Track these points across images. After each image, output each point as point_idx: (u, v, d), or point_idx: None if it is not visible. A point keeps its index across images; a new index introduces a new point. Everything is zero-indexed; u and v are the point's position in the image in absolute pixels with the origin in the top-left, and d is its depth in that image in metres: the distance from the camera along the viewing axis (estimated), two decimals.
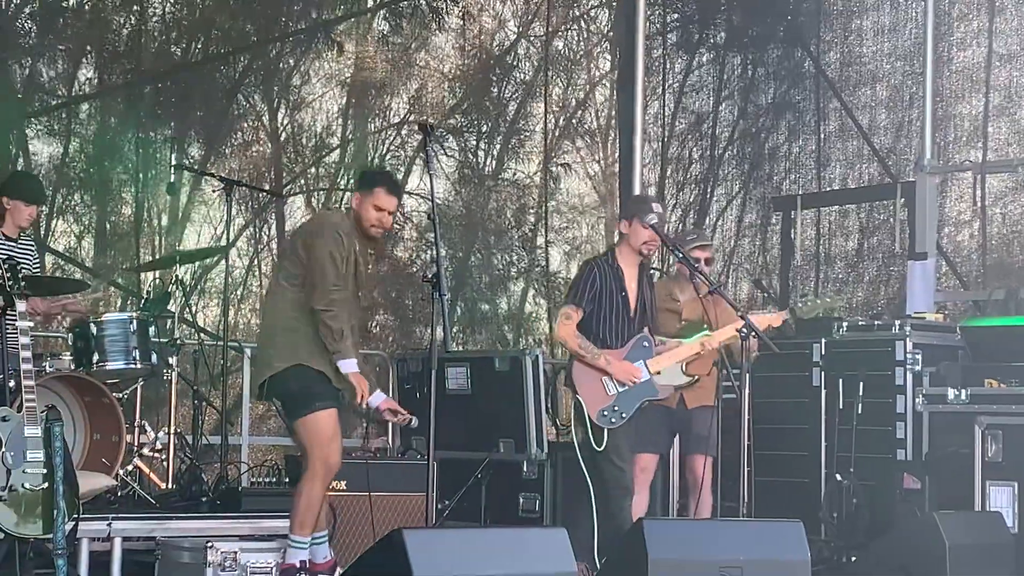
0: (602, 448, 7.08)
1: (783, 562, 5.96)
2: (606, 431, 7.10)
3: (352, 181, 14.44)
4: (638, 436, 7.53)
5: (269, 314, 6.64)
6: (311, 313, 6.33)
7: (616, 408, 7.15)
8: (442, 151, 13.87)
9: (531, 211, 14.75)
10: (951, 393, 8.34)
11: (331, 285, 6.29)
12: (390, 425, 10.08)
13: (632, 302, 7.25)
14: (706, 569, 5.75)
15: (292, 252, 6.55)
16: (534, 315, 14.85)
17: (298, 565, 6.40)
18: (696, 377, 7.43)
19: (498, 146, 14.63)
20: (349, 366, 6.33)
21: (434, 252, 6.27)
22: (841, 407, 8.70)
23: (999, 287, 10.19)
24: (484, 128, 14.44)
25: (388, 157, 14.44)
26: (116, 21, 12.33)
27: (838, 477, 8.57)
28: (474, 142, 14.42)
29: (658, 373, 7.28)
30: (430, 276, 6.20)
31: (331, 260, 6.30)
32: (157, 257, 11.72)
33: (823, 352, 8.95)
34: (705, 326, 7.44)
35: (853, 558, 8.23)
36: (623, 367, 7.16)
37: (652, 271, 7.75)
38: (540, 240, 14.72)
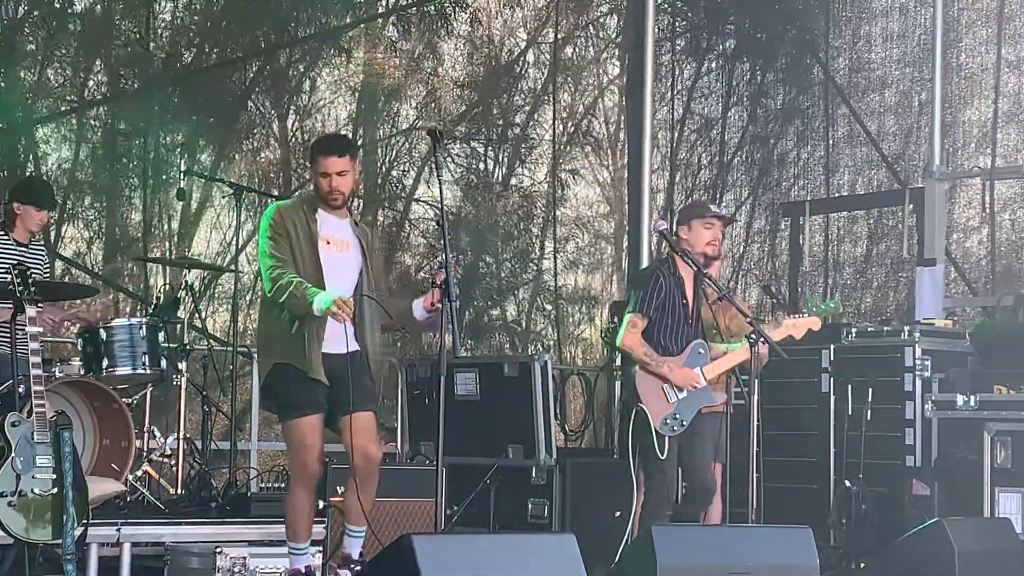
0: (664, 457, 7.08)
1: (792, 568, 5.96)
2: (667, 440, 7.10)
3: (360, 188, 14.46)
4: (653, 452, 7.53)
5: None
6: (274, 306, 6.31)
7: (677, 416, 7.17)
8: (450, 158, 13.87)
9: (539, 217, 14.74)
10: (960, 399, 8.34)
11: (267, 269, 6.25)
12: (399, 431, 10.09)
13: (691, 309, 7.31)
14: (715, 575, 5.75)
15: None
16: (542, 321, 14.84)
17: (303, 570, 6.38)
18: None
19: (506, 152, 14.63)
20: (320, 302, 6.11)
21: (442, 258, 6.23)
22: (850, 413, 8.70)
23: (1008, 293, 10.19)
24: (492, 134, 14.44)
25: (397, 163, 14.44)
26: (126, 27, 12.35)
27: (847, 483, 8.57)
28: (482, 148, 14.42)
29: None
30: (439, 282, 6.19)
31: (267, 245, 6.27)
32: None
33: (832, 358, 8.95)
34: (715, 331, 7.45)
35: (862, 564, 8.23)
36: (684, 373, 7.18)
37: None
38: (548, 246, 14.72)
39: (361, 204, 14.64)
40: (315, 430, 6.25)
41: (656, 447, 7.10)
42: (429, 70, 13.92)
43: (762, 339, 7.07)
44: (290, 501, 6.36)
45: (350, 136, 7.02)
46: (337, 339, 6.26)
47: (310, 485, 6.32)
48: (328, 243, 6.34)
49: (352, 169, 6.37)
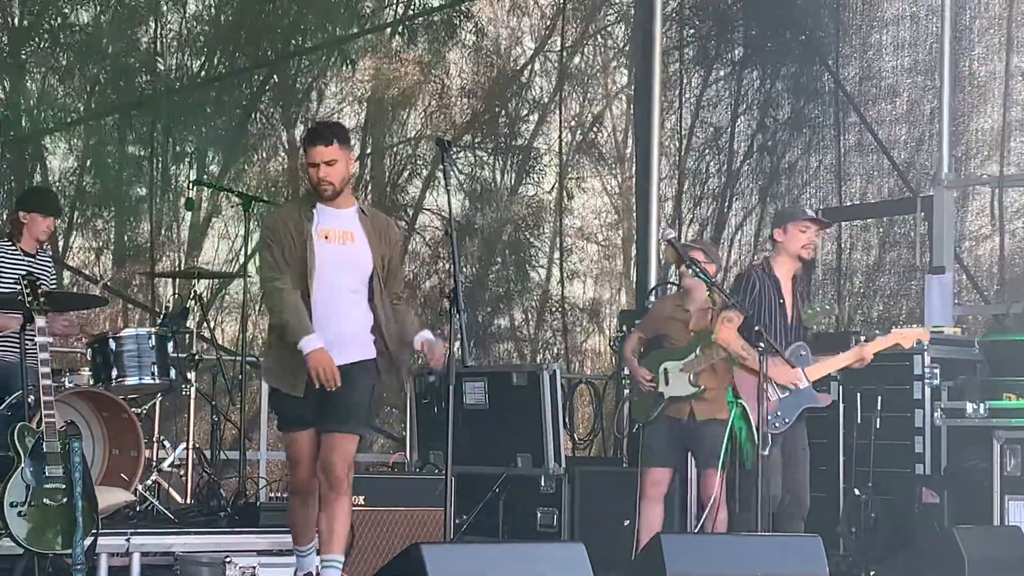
0: (767, 455, 7.05)
1: None
2: (770, 438, 7.06)
3: (368, 196, 14.46)
4: (651, 451, 7.56)
5: None
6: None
7: (779, 413, 7.19)
8: (456, 167, 13.87)
9: (546, 226, 14.73)
10: (969, 407, 8.32)
11: (262, 280, 6.23)
12: (407, 440, 10.09)
13: (789, 311, 7.33)
14: None
15: None
16: (550, 330, 14.82)
17: (315, 573, 6.34)
18: (703, 388, 7.46)
19: (513, 161, 14.63)
20: (308, 344, 5.99)
21: (448, 267, 6.25)
22: (859, 421, 8.68)
23: (1017, 301, 10.17)
24: (500, 143, 14.44)
25: (404, 172, 14.44)
26: (133, 36, 12.37)
27: (856, 492, 8.55)
28: (489, 157, 14.43)
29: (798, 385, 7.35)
30: (448, 291, 6.18)
31: (264, 254, 6.20)
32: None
33: None
34: (713, 336, 7.47)
35: (872, 573, 8.21)
36: (785, 371, 7.17)
37: (670, 283, 7.81)
38: (555, 255, 14.71)
39: None
40: (301, 445, 6.18)
41: (761, 445, 7.04)
42: (436, 79, 13.93)
43: (771, 347, 7.07)
44: (290, 507, 6.43)
45: (343, 125, 6.83)
46: (338, 348, 6.08)
47: (303, 495, 6.26)
48: (327, 237, 6.15)
49: (343, 158, 6.18)
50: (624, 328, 9.43)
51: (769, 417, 7.08)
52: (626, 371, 8.41)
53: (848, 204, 12.14)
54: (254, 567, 6.82)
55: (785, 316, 7.31)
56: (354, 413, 6.12)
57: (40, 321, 6.51)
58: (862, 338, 7.72)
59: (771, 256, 7.52)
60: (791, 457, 7.26)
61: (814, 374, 7.32)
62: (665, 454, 7.54)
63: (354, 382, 6.09)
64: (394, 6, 14.01)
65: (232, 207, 12.46)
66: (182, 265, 11.89)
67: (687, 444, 7.58)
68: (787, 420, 7.18)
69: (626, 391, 9.37)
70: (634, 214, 12.64)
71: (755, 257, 13.09)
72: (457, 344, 5.98)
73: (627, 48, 14.73)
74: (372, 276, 6.20)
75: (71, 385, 7.79)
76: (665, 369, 7.57)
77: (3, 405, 7.11)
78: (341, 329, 6.14)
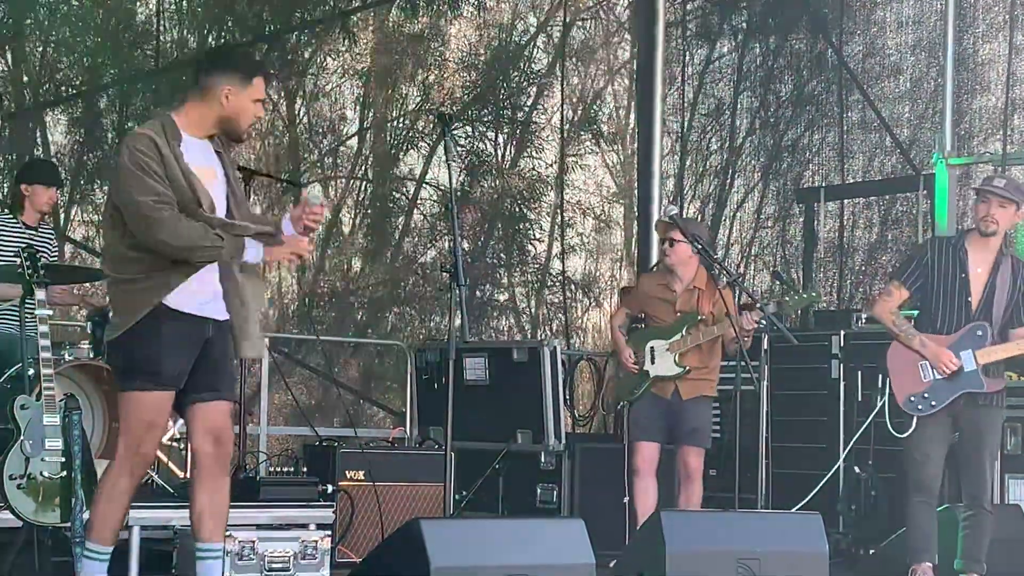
0: (907, 435, 6.84)
1: (801, 554, 5.94)
2: (915, 419, 6.85)
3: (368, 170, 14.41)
4: (637, 426, 7.57)
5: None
6: None
7: (927, 396, 6.85)
8: (457, 142, 13.85)
9: (546, 201, 14.72)
10: None
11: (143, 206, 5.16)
12: (407, 415, 10.09)
13: (974, 286, 6.87)
14: (724, 561, 5.73)
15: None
16: (550, 306, 14.83)
17: None
18: (687, 368, 7.44)
19: (514, 136, 14.61)
20: (252, 255, 5.27)
21: (447, 242, 6.18)
22: (860, 399, 8.66)
23: None
24: (501, 118, 14.42)
25: (404, 146, 14.42)
26: (133, 11, 12.34)
27: (857, 470, 8.54)
28: (490, 132, 14.40)
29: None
30: (448, 266, 6.15)
31: (140, 178, 5.17)
32: None
33: (842, 344, 8.92)
34: (700, 317, 7.45)
35: (871, 551, 8.21)
36: (936, 352, 6.82)
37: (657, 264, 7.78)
38: (556, 231, 14.71)
39: (370, 188, 14.65)
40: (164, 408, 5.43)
41: (889, 423, 6.90)
42: (436, 53, 13.90)
43: (771, 325, 7.06)
44: (117, 492, 5.41)
45: None
46: (219, 303, 5.36)
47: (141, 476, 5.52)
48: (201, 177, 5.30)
49: None
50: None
51: (913, 398, 6.85)
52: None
53: (850, 182, 12.12)
54: (253, 541, 6.81)
55: (967, 292, 6.86)
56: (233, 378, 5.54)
57: (40, 294, 6.49)
58: None
59: (969, 229, 7.13)
60: (968, 445, 6.88)
61: (985, 357, 6.79)
62: (652, 429, 7.53)
63: (228, 344, 5.38)
64: None
65: None
66: None
67: (670, 421, 7.55)
68: (934, 404, 6.79)
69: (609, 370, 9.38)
70: (635, 190, 12.63)
71: (756, 234, 13.09)
72: (458, 318, 5.96)
73: (629, 23, 14.70)
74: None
75: (71, 358, 7.77)
76: (651, 348, 7.56)
77: (3, 378, 7.10)
78: (216, 278, 5.31)
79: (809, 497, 8.32)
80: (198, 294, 5.24)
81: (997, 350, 6.79)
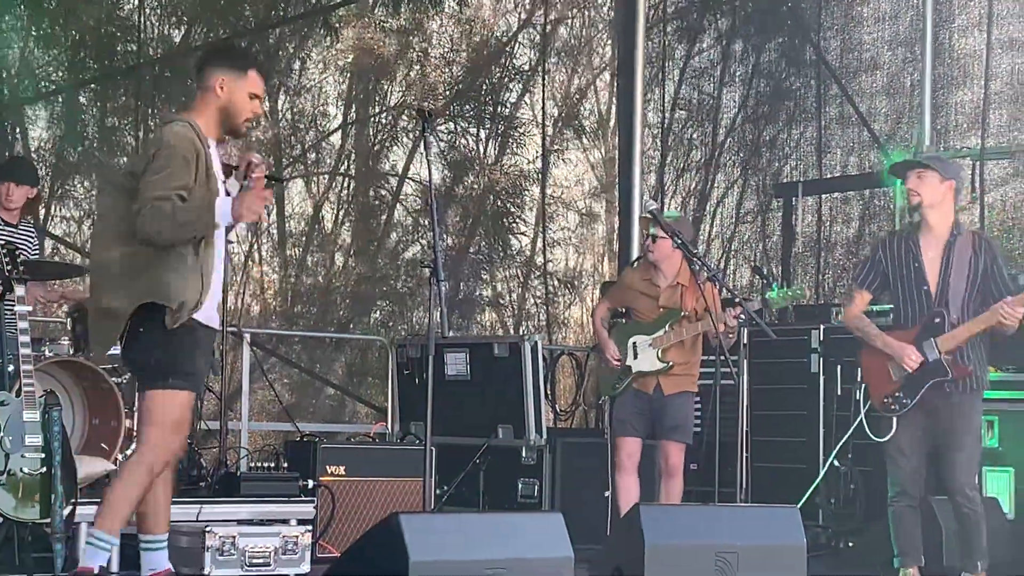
0: (887, 439, 6.74)
1: (779, 547, 5.96)
2: (894, 421, 6.73)
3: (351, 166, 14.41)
4: (619, 421, 7.59)
5: None
6: None
7: (899, 395, 6.74)
8: (439, 137, 13.86)
9: (529, 197, 14.74)
10: None
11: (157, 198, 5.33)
12: (389, 410, 10.10)
13: (929, 273, 6.71)
14: (702, 554, 5.75)
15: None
16: (532, 301, 14.85)
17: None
18: (670, 363, 7.47)
19: (497, 132, 14.62)
20: (225, 214, 5.35)
21: (430, 238, 6.20)
22: (839, 392, 8.70)
23: None
24: (483, 113, 14.43)
25: (387, 141, 14.42)
26: (115, 6, 12.32)
27: (836, 463, 8.58)
28: (472, 128, 14.42)
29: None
30: (428, 263, 6.16)
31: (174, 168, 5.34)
32: None
33: (821, 338, 8.96)
34: (683, 313, 7.48)
35: (850, 543, 8.25)
36: (898, 349, 6.70)
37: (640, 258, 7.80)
38: (538, 226, 14.72)
39: (352, 183, 14.64)
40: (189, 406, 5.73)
41: (867, 427, 6.82)
42: (419, 49, 13.91)
43: (750, 320, 7.08)
44: (139, 486, 5.61)
45: None
46: (213, 315, 5.66)
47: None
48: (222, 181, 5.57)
49: None
50: None
51: (887, 399, 6.74)
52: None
53: (829, 176, 12.16)
54: (234, 536, 6.82)
55: (923, 281, 6.71)
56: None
57: (19, 290, 6.49)
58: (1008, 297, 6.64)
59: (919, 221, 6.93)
60: (940, 435, 6.73)
61: (946, 344, 6.63)
62: (634, 424, 7.56)
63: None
64: None
65: None
66: None
67: (652, 416, 7.58)
68: (906, 402, 6.67)
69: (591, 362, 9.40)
70: (617, 186, 12.65)
71: (737, 229, 13.12)
72: (437, 314, 5.98)
73: (611, 20, 14.72)
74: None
75: (51, 355, 7.76)
76: (634, 343, 7.59)
77: None
78: (218, 292, 5.64)
79: (807, 495, 8.32)
80: (214, 302, 5.50)
81: (957, 334, 6.64)
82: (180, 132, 5.37)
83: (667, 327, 7.51)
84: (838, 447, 8.28)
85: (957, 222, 6.79)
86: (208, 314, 5.51)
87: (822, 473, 8.49)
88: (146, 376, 5.47)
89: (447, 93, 14.12)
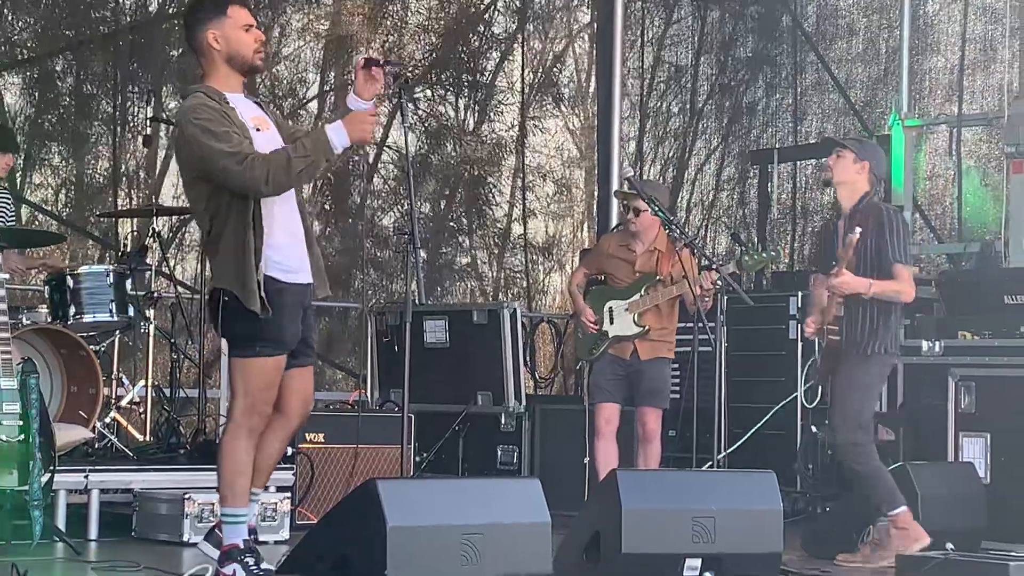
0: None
1: (756, 512, 5.99)
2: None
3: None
4: (597, 388, 7.62)
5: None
6: None
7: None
8: (416, 105, 13.82)
9: (507, 165, 14.72)
10: (925, 345, 8.38)
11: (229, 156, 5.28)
12: (369, 377, 10.11)
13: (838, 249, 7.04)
14: (679, 519, 5.78)
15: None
16: (511, 268, 14.85)
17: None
18: (647, 328, 7.50)
19: (474, 100, 14.58)
20: (338, 140, 5.31)
21: (406, 206, 6.19)
22: (817, 359, 8.73)
23: (973, 240, 10.23)
24: (462, 81, 14.39)
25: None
26: None
27: (813, 429, 8.62)
28: (449, 95, 14.37)
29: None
30: (405, 231, 6.16)
31: (211, 135, 5.28)
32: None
33: (800, 305, 8.99)
34: (658, 278, 7.51)
35: (827, 508, 8.30)
36: (812, 331, 7.27)
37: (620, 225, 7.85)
38: (516, 194, 14.71)
39: None
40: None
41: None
42: (396, 16, 13.85)
43: (727, 286, 7.11)
44: (239, 451, 5.59)
45: None
46: (303, 268, 5.61)
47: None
48: (258, 128, 5.45)
49: None
50: None
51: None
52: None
53: (805, 143, 12.18)
54: (212, 504, 6.83)
55: (834, 256, 7.06)
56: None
57: None
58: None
59: None
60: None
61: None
62: (611, 390, 7.59)
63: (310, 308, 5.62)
64: None
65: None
66: (141, 202, 11.84)
67: (630, 381, 7.61)
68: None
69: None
70: (595, 153, 12.64)
71: (716, 196, 13.14)
72: (414, 282, 5.98)
73: None
74: None
75: (28, 322, 7.76)
76: (610, 308, 7.61)
77: None
78: (301, 244, 5.56)
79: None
80: (293, 260, 5.43)
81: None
82: (189, 105, 5.32)
83: (642, 291, 7.53)
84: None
85: (864, 199, 7.07)
86: (288, 267, 5.41)
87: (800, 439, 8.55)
88: (233, 346, 5.46)
89: (424, 61, 14.07)
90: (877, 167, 7.15)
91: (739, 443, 8.64)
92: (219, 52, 5.41)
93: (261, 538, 6.46)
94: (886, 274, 6.93)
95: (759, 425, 8.86)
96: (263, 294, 5.29)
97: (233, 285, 5.31)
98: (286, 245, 5.43)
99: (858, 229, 6.81)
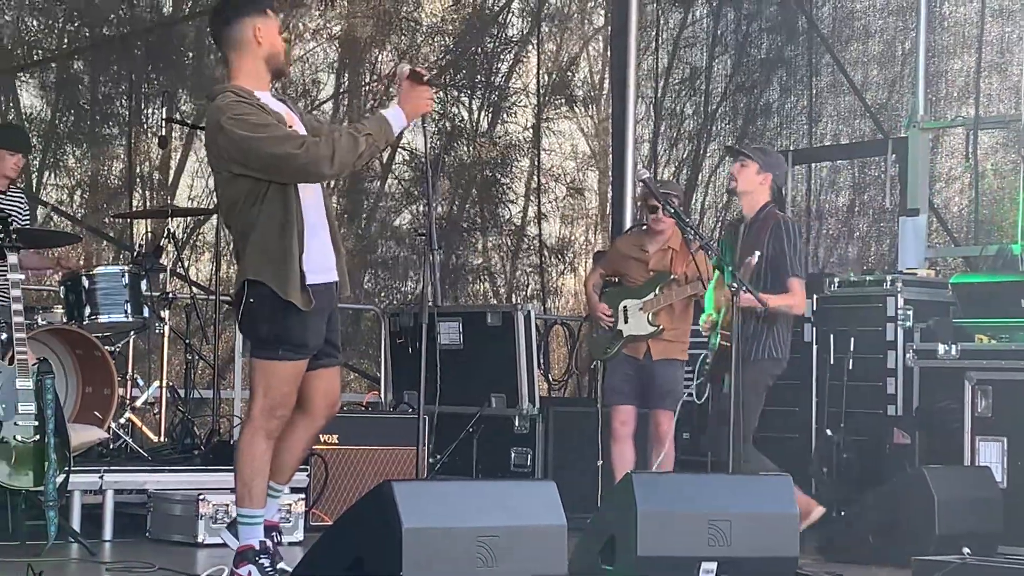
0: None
1: (771, 515, 5.97)
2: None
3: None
4: (612, 390, 7.61)
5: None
6: None
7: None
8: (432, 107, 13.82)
9: (521, 166, 14.71)
10: (941, 349, 8.36)
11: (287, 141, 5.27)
12: (383, 379, 10.11)
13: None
14: (695, 522, 5.77)
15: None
16: (525, 270, 14.84)
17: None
18: (661, 327, 7.50)
19: (489, 101, 14.57)
20: (397, 120, 5.33)
21: (420, 206, 6.18)
22: (832, 363, 8.71)
23: (990, 243, 10.20)
24: (476, 82, 14.38)
25: (378, 110, 14.35)
26: None
27: (828, 432, 8.60)
28: (464, 97, 14.37)
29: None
30: (422, 231, 6.15)
31: (257, 129, 5.25)
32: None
33: (815, 308, 8.96)
34: (673, 276, 7.51)
35: (843, 512, 8.27)
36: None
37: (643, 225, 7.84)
38: (531, 196, 14.70)
39: None
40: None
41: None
42: (411, 18, 13.85)
43: (743, 288, 7.09)
44: (259, 451, 5.59)
45: None
46: (330, 264, 5.62)
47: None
48: (290, 126, 5.41)
49: None
50: None
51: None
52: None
53: (820, 146, 12.14)
54: (227, 505, 6.83)
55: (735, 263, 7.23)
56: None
57: (12, 258, 6.48)
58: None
59: None
60: None
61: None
62: (625, 391, 7.59)
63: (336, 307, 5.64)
64: None
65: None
66: (156, 204, 11.86)
67: (643, 382, 7.61)
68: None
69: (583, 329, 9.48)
70: (610, 155, 12.62)
71: (730, 198, 13.10)
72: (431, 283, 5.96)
73: None
74: None
75: (44, 323, 7.77)
76: (624, 307, 7.62)
77: None
78: (328, 243, 5.55)
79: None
80: (322, 258, 5.40)
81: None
82: (222, 103, 5.24)
83: (657, 290, 7.53)
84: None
85: (764, 209, 7.22)
86: (317, 267, 5.37)
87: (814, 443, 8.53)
88: (256, 346, 5.42)
89: (439, 62, 14.07)
90: (779, 178, 7.38)
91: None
92: (259, 48, 5.34)
93: None
94: (780, 284, 7.06)
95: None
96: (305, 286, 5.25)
97: (271, 279, 5.26)
98: (316, 246, 5.40)
99: (757, 253, 6.93)
